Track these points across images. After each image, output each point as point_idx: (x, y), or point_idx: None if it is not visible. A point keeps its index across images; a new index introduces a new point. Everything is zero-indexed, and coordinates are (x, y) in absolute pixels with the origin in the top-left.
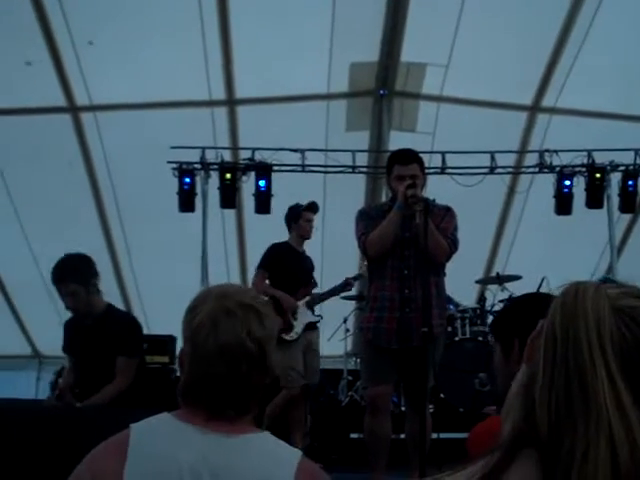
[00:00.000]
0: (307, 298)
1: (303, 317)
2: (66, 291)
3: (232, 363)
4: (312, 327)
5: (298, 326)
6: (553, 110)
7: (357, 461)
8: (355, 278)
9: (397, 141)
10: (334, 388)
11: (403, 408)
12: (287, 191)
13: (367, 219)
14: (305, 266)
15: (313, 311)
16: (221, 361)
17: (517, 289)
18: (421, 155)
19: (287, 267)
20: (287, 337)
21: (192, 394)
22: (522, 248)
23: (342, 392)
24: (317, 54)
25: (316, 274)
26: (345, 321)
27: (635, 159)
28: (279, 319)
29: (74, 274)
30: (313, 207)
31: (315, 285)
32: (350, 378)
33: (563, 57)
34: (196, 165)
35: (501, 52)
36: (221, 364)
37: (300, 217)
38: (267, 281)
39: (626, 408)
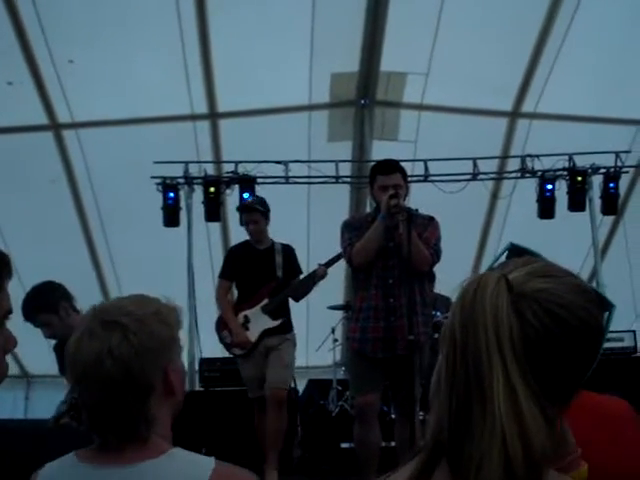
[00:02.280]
0: (264, 302)
1: (258, 324)
2: (39, 323)
3: (97, 387)
4: (273, 333)
5: (251, 337)
6: (533, 115)
7: (348, 471)
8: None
9: (379, 150)
10: (324, 398)
11: (393, 416)
12: (271, 203)
13: (352, 230)
14: (266, 262)
15: (275, 316)
16: (88, 386)
17: None
18: (404, 163)
19: (245, 268)
20: (236, 351)
21: (88, 427)
22: (506, 244)
23: (332, 402)
24: (297, 65)
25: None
26: (333, 331)
27: (616, 161)
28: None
29: (38, 307)
30: (242, 208)
31: (288, 278)
32: (339, 388)
33: (541, 62)
34: (180, 180)
35: (480, 59)
36: (89, 389)
37: (243, 221)
38: (234, 288)
39: (523, 412)
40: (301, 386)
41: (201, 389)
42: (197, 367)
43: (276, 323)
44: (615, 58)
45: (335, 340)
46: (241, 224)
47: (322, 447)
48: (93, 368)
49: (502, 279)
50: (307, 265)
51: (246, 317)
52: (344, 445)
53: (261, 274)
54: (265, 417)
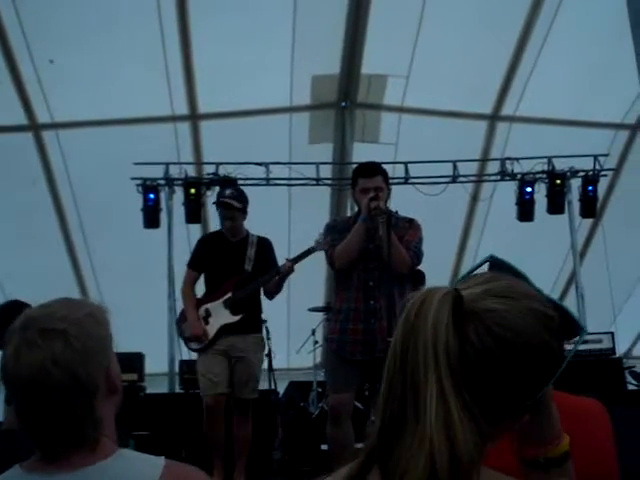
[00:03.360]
0: (227, 296)
1: (218, 319)
2: None
3: (42, 397)
4: (235, 331)
5: (210, 331)
6: (513, 118)
7: (329, 472)
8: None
9: (360, 152)
10: (304, 400)
11: (373, 417)
12: (252, 205)
13: (334, 232)
14: (236, 255)
15: (236, 311)
16: (31, 397)
17: None
18: (384, 166)
19: (213, 260)
20: (193, 345)
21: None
22: (486, 255)
23: (312, 404)
24: (279, 67)
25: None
26: (314, 333)
27: (594, 165)
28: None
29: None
30: (218, 204)
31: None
32: (320, 390)
33: (521, 66)
34: (160, 181)
35: (460, 62)
36: (32, 401)
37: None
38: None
39: (453, 423)
40: (281, 388)
41: (181, 391)
42: (177, 369)
43: (235, 318)
44: (594, 62)
45: (316, 342)
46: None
47: (303, 449)
48: (38, 379)
49: (449, 295)
50: None
51: (207, 311)
52: (324, 447)
53: (229, 267)
54: (218, 421)
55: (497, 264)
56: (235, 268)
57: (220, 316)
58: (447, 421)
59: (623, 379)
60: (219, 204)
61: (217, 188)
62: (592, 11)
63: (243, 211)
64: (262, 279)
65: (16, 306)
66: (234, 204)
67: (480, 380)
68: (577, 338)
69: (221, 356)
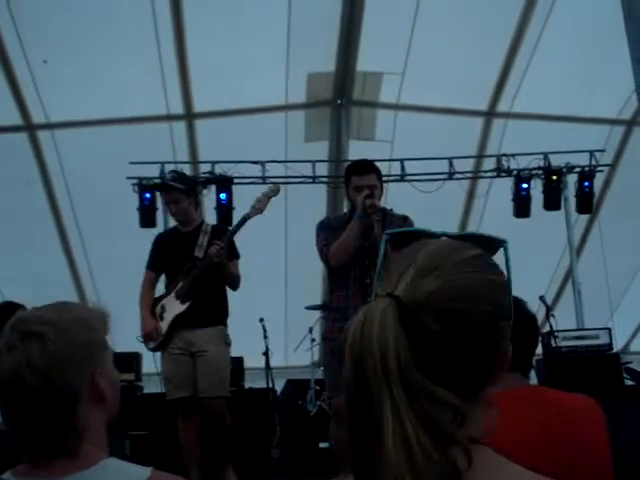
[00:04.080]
0: (178, 285)
1: (170, 312)
2: None
3: (19, 400)
4: (191, 324)
5: (164, 327)
6: (508, 115)
7: (327, 470)
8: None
9: (356, 150)
10: (302, 398)
11: None
12: (248, 203)
13: (328, 230)
14: (187, 245)
15: (185, 298)
16: (9, 400)
17: None
18: (380, 163)
19: (169, 256)
20: (150, 345)
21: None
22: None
23: (310, 402)
24: (274, 66)
25: (279, 283)
26: (311, 331)
27: (590, 160)
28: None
29: None
30: (160, 187)
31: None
32: (317, 388)
33: (516, 62)
34: (156, 180)
35: (455, 59)
36: (10, 403)
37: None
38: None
39: (411, 443)
40: (279, 386)
41: None
42: None
43: (183, 307)
44: (589, 58)
45: (313, 340)
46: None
47: (301, 447)
48: (13, 381)
49: (390, 305)
50: (285, 266)
51: (163, 307)
52: (323, 445)
53: (182, 258)
54: (191, 424)
55: (397, 239)
56: (187, 257)
57: (172, 309)
58: (405, 440)
59: (620, 375)
60: (160, 188)
61: (213, 187)
62: (587, 6)
63: (187, 194)
64: (201, 263)
65: (10, 308)
66: (175, 185)
67: (450, 361)
68: (504, 254)
69: (185, 356)
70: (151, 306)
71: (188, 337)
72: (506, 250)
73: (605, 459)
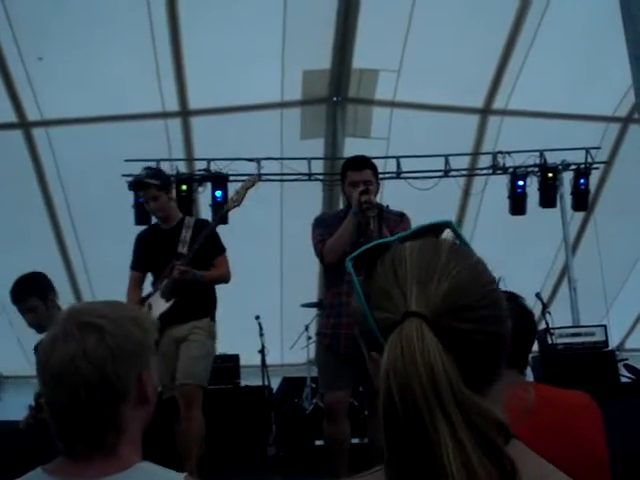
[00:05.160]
0: (163, 284)
1: (156, 311)
2: (25, 307)
3: (69, 390)
4: (177, 320)
5: None
6: (504, 112)
7: (324, 468)
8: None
9: (352, 147)
10: (298, 396)
11: (367, 412)
12: (244, 200)
13: (323, 226)
14: (170, 242)
15: (169, 296)
16: (59, 390)
17: None
18: (376, 160)
19: (152, 254)
20: None
21: (55, 434)
22: (479, 249)
23: (306, 400)
24: (269, 63)
25: (275, 281)
26: (307, 329)
27: (586, 158)
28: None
29: (30, 290)
30: (137, 185)
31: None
32: (313, 385)
33: (512, 60)
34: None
35: (451, 56)
36: (59, 393)
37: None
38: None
39: (474, 467)
40: (275, 384)
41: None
42: None
43: (167, 305)
44: (585, 55)
45: (309, 338)
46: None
47: (297, 445)
48: (67, 371)
49: (420, 324)
50: (281, 264)
51: (149, 306)
52: (319, 442)
53: (166, 255)
54: (183, 421)
55: (364, 258)
56: (171, 254)
57: (157, 307)
58: (466, 463)
59: (616, 372)
60: (136, 186)
61: (209, 185)
62: (582, 4)
63: (165, 190)
64: (182, 261)
65: (41, 275)
66: (151, 181)
67: (481, 360)
68: (455, 233)
69: (168, 353)
70: (137, 304)
71: (175, 333)
72: (454, 229)
73: (602, 455)
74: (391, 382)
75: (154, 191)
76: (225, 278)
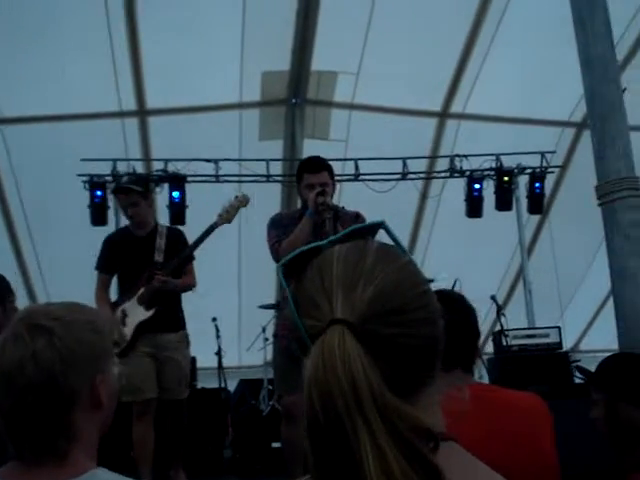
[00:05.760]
0: (140, 291)
1: (134, 318)
2: None
3: (16, 393)
4: (156, 329)
5: (127, 332)
6: (462, 116)
7: (280, 470)
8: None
9: (311, 149)
10: (255, 398)
11: None
12: (202, 202)
13: (279, 227)
14: (144, 249)
15: (149, 305)
16: (6, 392)
17: None
18: (334, 162)
19: (123, 259)
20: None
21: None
22: (436, 251)
23: (263, 402)
24: (228, 63)
25: (233, 283)
26: (264, 330)
27: (541, 162)
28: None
29: None
30: (119, 190)
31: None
32: (270, 387)
33: (470, 64)
34: (107, 178)
35: (410, 59)
36: (7, 395)
37: (118, 204)
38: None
39: (394, 472)
40: (232, 386)
41: None
42: None
43: (149, 314)
44: (541, 60)
45: (266, 339)
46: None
47: (253, 447)
48: (14, 373)
49: (342, 331)
50: (238, 265)
51: (124, 311)
52: (275, 445)
53: (139, 262)
54: (148, 428)
55: (295, 264)
56: (146, 262)
57: (135, 314)
58: (387, 470)
59: (570, 373)
60: (117, 190)
61: (166, 186)
62: (539, 9)
63: (145, 197)
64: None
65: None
66: (134, 187)
67: (404, 365)
68: (388, 234)
69: (147, 358)
70: (109, 303)
71: (154, 341)
72: (387, 229)
73: (551, 458)
74: (312, 391)
75: (135, 197)
76: (193, 285)
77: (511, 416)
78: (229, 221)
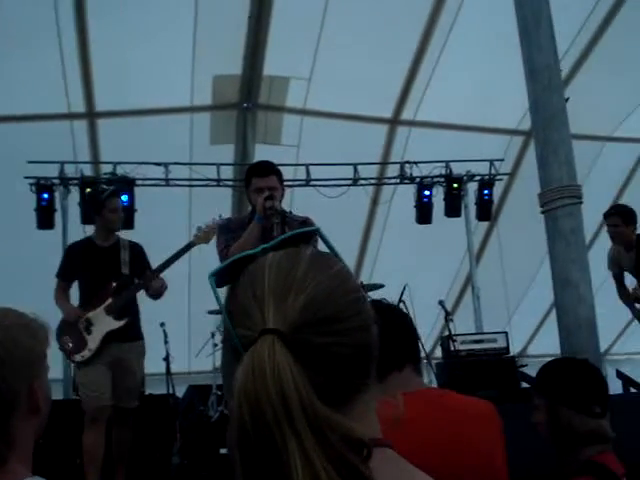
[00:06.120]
0: (108, 302)
1: (101, 327)
2: None
3: None
4: (120, 338)
5: (93, 341)
6: (412, 123)
7: (228, 477)
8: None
9: (262, 154)
10: (204, 404)
11: None
12: (151, 206)
13: (227, 232)
14: (110, 260)
15: (120, 315)
16: None
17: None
18: (286, 168)
19: (86, 267)
20: (77, 358)
21: None
22: (387, 257)
23: (212, 408)
24: (179, 66)
25: (182, 288)
26: (213, 336)
27: (490, 169)
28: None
29: None
30: (117, 193)
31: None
32: (219, 393)
33: (420, 72)
34: (55, 180)
35: (362, 66)
36: None
37: (103, 207)
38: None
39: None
40: (181, 392)
41: (76, 398)
42: (72, 375)
43: (120, 324)
44: (491, 69)
45: (215, 345)
46: (95, 213)
47: (201, 453)
48: None
49: (273, 341)
50: (188, 270)
51: (88, 320)
52: (224, 451)
53: (105, 273)
54: (100, 434)
55: (227, 273)
56: (111, 273)
57: (103, 324)
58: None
59: (516, 377)
60: (115, 194)
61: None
62: (489, 19)
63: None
64: (138, 285)
65: None
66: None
67: (337, 373)
68: (323, 240)
69: (104, 367)
70: (75, 313)
71: (116, 351)
72: (322, 235)
73: (501, 463)
74: (242, 401)
75: (120, 203)
76: (166, 287)
77: (463, 420)
78: (207, 241)
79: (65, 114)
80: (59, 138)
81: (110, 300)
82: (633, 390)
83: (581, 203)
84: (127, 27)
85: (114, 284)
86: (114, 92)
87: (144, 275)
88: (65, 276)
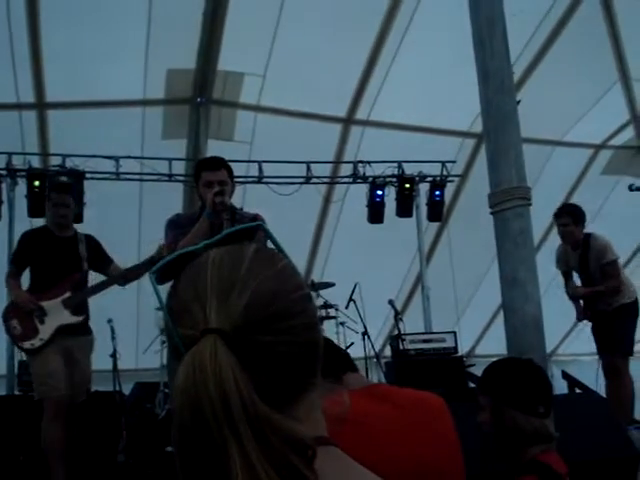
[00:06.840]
0: (66, 295)
1: (55, 319)
2: None
3: None
4: (72, 332)
5: (45, 331)
6: (366, 123)
7: (173, 475)
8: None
9: (214, 150)
10: (150, 402)
11: None
12: (101, 199)
13: (176, 228)
14: (68, 252)
15: (77, 311)
16: None
17: (331, 296)
18: (238, 164)
19: (42, 256)
20: (25, 345)
21: None
22: (338, 256)
23: (159, 405)
24: (132, 58)
25: (131, 284)
26: (162, 332)
27: (442, 170)
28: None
29: None
30: (59, 187)
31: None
32: (167, 391)
33: (375, 72)
34: (1, 172)
35: (317, 64)
36: None
37: (49, 200)
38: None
39: None
40: (128, 389)
41: (20, 393)
42: (16, 371)
43: (77, 319)
44: (444, 72)
45: (163, 342)
46: (46, 207)
47: (147, 451)
48: None
49: (215, 340)
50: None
51: (42, 309)
52: (170, 449)
53: (63, 264)
54: (60, 425)
55: (169, 268)
56: (71, 266)
57: (58, 316)
58: None
59: (464, 377)
60: (55, 187)
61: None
62: (444, 21)
63: (73, 201)
64: (106, 283)
65: None
66: (70, 190)
67: (283, 372)
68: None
69: (58, 355)
70: (28, 299)
71: (67, 343)
72: (266, 231)
73: (458, 452)
74: (182, 401)
75: (68, 199)
76: None
77: (419, 413)
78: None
79: (14, 104)
80: (7, 128)
81: (69, 294)
82: (578, 391)
83: (530, 205)
84: (80, 17)
85: (75, 278)
86: (65, 83)
87: (116, 274)
88: (19, 263)
